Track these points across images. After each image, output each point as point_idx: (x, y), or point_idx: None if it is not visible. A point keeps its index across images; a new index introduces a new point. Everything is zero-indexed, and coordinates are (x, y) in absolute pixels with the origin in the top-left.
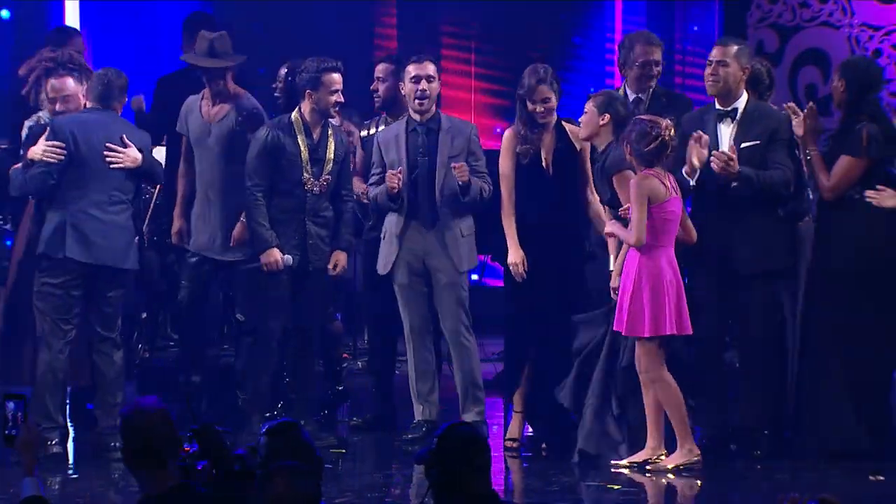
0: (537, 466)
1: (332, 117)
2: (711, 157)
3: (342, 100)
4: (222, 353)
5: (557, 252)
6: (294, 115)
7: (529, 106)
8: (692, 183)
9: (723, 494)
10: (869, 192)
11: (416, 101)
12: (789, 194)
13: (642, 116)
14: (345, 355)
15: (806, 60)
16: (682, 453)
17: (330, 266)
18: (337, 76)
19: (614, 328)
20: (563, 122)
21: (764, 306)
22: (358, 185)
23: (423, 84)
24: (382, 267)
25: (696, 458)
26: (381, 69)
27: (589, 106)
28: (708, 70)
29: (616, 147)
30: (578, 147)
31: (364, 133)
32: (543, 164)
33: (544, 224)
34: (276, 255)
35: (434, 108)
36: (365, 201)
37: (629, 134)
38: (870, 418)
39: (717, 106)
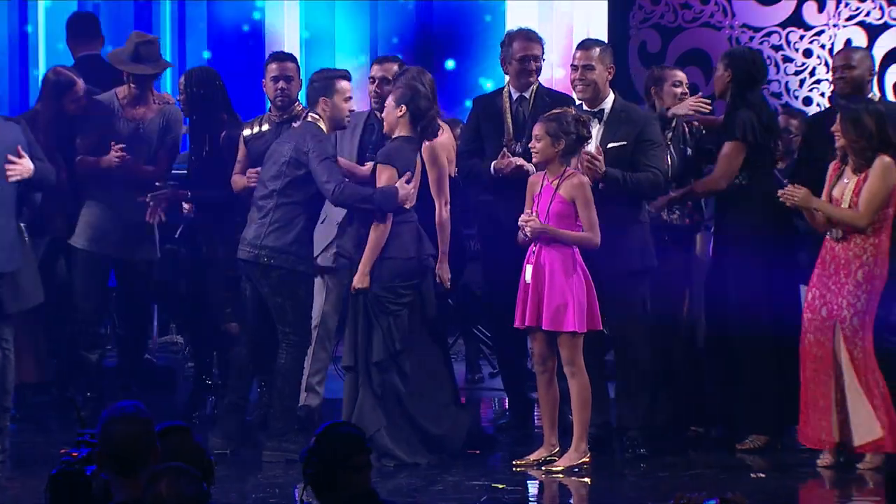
0: (423, 465)
1: (345, 127)
2: (578, 158)
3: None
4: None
5: None
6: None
7: None
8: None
9: (609, 494)
10: (781, 191)
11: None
12: (658, 195)
13: (562, 112)
14: None
15: (688, 61)
16: (576, 454)
17: None
18: (348, 84)
19: (537, 324)
20: None
21: (627, 306)
22: (238, 181)
23: (378, 84)
24: (318, 250)
25: (586, 459)
26: (289, 67)
27: (389, 99)
28: (574, 75)
29: (398, 142)
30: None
31: (247, 132)
32: None
33: None
34: None
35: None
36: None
37: (556, 129)
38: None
39: (585, 107)
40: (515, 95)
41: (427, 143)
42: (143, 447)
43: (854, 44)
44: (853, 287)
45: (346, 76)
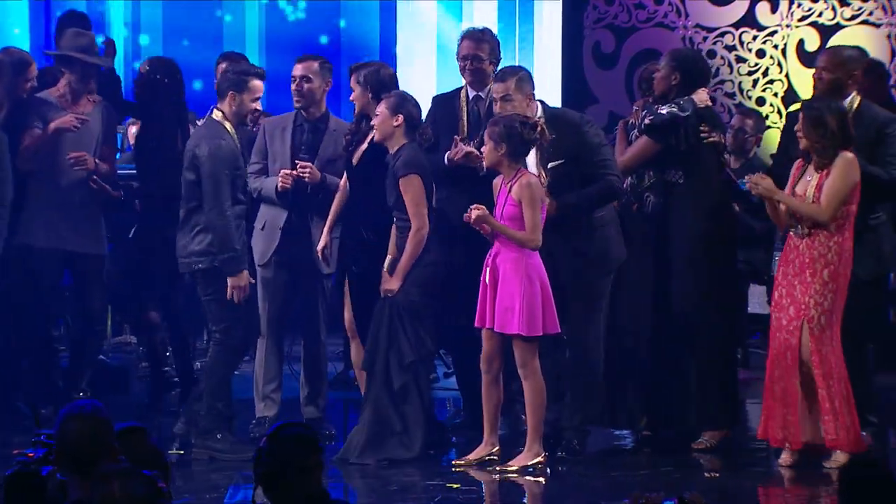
0: (377, 466)
1: (246, 125)
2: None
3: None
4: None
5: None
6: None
7: None
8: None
9: (563, 493)
10: (747, 178)
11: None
12: (619, 196)
13: (509, 115)
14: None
15: (642, 61)
16: (530, 454)
17: None
18: (261, 83)
19: (493, 327)
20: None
21: (585, 306)
22: None
23: (299, 83)
24: (259, 257)
25: (541, 460)
26: (222, 68)
27: (381, 108)
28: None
29: (407, 149)
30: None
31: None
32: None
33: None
34: None
35: (321, 107)
36: None
37: (500, 133)
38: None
39: None
40: (472, 94)
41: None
42: (100, 446)
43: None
44: (820, 286)
45: (260, 75)
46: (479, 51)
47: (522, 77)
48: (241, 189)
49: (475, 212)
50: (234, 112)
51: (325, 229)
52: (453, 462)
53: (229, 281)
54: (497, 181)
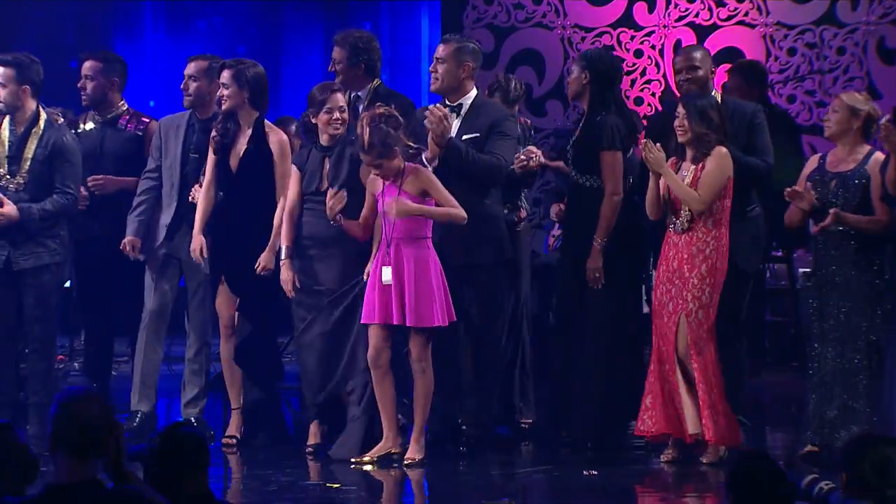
0: (256, 465)
1: None
2: (428, 111)
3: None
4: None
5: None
6: None
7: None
8: (432, 166)
9: (444, 491)
10: (644, 142)
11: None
12: (499, 182)
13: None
14: (59, 357)
15: (521, 61)
16: (416, 446)
17: None
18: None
19: (399, 322)
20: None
21: (482, 302)
22: None
23: (186, 82)
24: (146, 253)
25: (422, 455)
26: (87, 67)
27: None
28: (431, 67)
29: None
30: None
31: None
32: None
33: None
34: None
35: (214, 106)
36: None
37: (371, 135)
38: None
39: (446, 101)
40: (353, 94)
41: (283, 138)
42: (104, 429)
43: (684, 44)
44: (698, 281)
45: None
46: (335, 53)
47: (462, 47)
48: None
49: (396, 207)
50: None
51: (196, 231)
52: (351, 460)
53: None
54: (373, 177)
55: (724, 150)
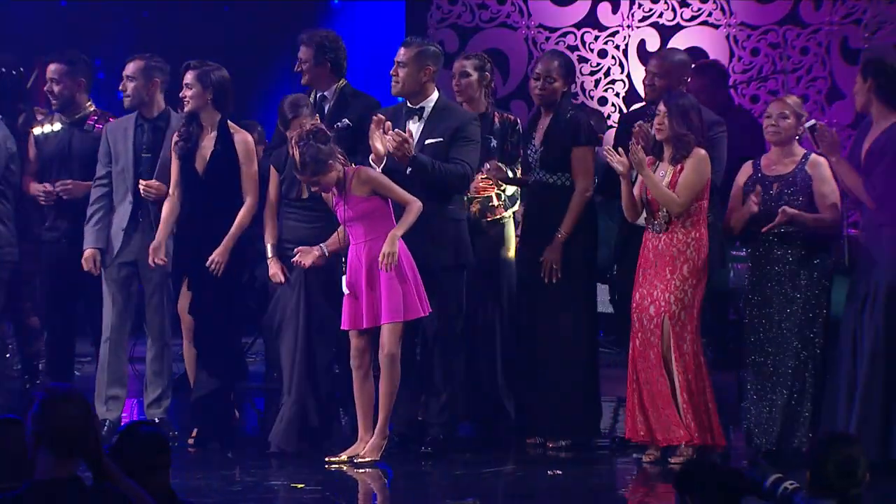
0: (219, 465)
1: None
2: (388, 137)
3: None
4: None
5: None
6: None
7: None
8: (380, 168)
9: (407, 491)
10: (633, 138)
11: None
12: (465, 189)
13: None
14: None
15: None
16: (378, 439)
17: None
18: None
19: (373, 324)
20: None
21: (441, 303)
22: (34, 186)
23: (124, 82)
24: (106, 258)
25: (382, 450)
26: (52, 70)
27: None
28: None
29: None
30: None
31: (38, 131)
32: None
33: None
34: None
35: (157, 105)
36: (42, 202)
37: (302, 154)
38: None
39: (408, 104)
40: (319, 94)
41: (247, 138)
42: (88, 428)
43: (648, 45)
44: (679, 282)
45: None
46: (301, 53)
47: (425, 51)
48: None
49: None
50: None
51: (161, 236)
52: (326, 459)
53: None
54: (328, 196)
55: (702, 151)
